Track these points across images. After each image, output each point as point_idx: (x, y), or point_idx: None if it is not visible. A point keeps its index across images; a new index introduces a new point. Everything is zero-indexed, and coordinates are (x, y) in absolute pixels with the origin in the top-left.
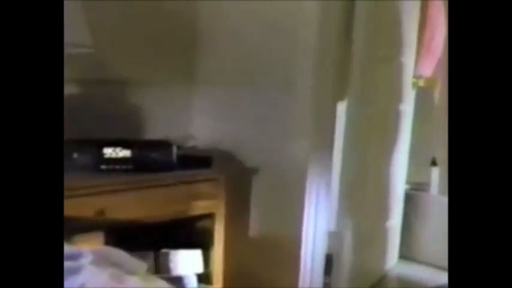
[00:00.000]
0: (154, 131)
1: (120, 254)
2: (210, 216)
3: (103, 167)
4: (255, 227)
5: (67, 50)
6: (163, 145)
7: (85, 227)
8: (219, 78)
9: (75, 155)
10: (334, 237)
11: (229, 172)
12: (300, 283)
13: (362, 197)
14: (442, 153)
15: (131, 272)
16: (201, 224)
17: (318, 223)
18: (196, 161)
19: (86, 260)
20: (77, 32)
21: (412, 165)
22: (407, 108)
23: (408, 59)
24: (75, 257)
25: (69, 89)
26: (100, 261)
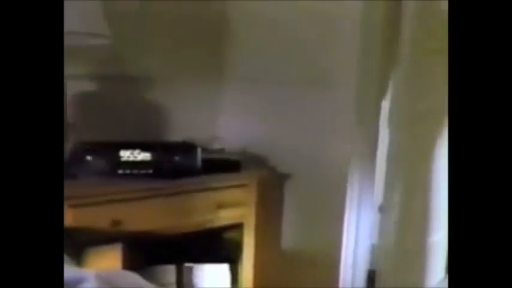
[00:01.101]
0: (176, 132)
1: (132, 280)
2: (238, 226)
3: (120, 171)
4: (288, 238)
5: (83, 41)
6: (187, 147)
7: (101, 238)
8: (249, 74)
9: (89, 158)
10: (377, 251)
11: (260, 178)
12: None
13: (407, 207)
14: None
15: None
16: (228, 235)
17: (359, 235)
18: (224, 165)
19: (88, 286)
20: (94, 21)
21: None
22: None
23: None
24: (75, 282)
25: (84, 85)
26: None
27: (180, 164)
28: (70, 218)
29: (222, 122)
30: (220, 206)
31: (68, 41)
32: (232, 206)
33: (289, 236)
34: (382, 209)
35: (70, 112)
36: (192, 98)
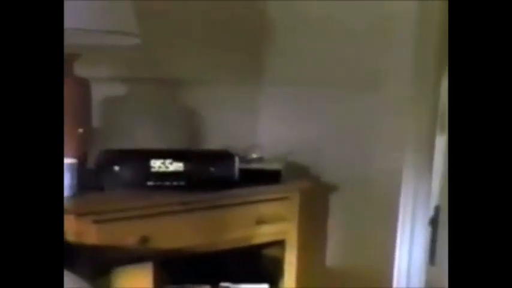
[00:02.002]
0: (212, 140)
1: None
2: (279, 243)
3: (150, 183)
4: (333, 256)
5: (111, 41)
6: (223, 157)
7: (130, 257)
8: (290, 77)
9: (116, 169)
10: (434, 271)
11: (303, 189)
12: None
13: None
14: None
15: None
16: (268, 252)
17: (413, 253)
18: (263, 175)
19: None
20: (123, 19)
21: None
22: None
23: None
24: None
25: (113, 88)
26: None
27: (216, 174)
28: (95, 234)
29: (261, 129)
30: (260, 220)
31: (94, 40)
32: (272, 221)
33: (335, 253)
34: (433, 223)
35: (97, 117)
36: (229, 103)
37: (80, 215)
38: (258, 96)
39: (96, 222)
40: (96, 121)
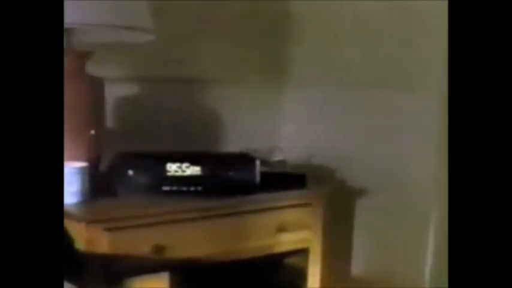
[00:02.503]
0: (231, 142)
1: None
2: (302, 252)
3: (165, 188)
4: (359, 266)
5: (126, 38)
6: (243, 160)
7: (144, 267)
8: (314, 76)
9: (130, 173)
10: None
11: (328, 195)
12: None
13: None
14: None
15: None
16: (291, 261)
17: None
18: (286, 180)
19: None
20: (136, 13)
21: None
22: None
23: None
24: None
25: (126, 89)
26: None
27: (235, 179)
28: (106, 243)
29: (283, 130)
30: (282, 228)
31: (108, 37)
32: (295, 229)
33: (361, 263)
34: None
35: (111, 118)
36: (250, 103)
37: (91, 222)
38: (280, 96)
39: (108, 229)
40: (109, 122)
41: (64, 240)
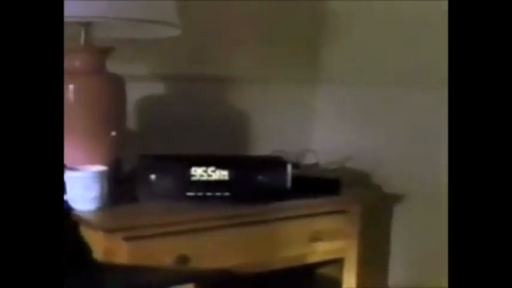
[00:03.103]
0: (260, 144)
1: None
2: (337, 262)
3: (190, 193)
4: (397, 276)
5: (147, 33)
6: (273, 163)
7: (167, 279)
8: (348, 75)
9: (152, 177)
10: None
11: (364, 201)
12: None
13: None
14: None
15: None
16: (324, 272)
17: None
18: (319, 185)
19: None
20: (160, 6)
21: None
22: None
23: None
24: None
25: (149, 88)
26: None
27: (265, 184)
28: (126, 253)
29: (316, 132)
30: (315, 237)
31: (129, 32)
32: (329, 237)
33: (400, 274)
34: None
35: (132, 119)
36: (280, 104)
37: (109, 230)
38: (313, 96)
39: (128, 239)
40: (131, 123)
41: (81, 250)
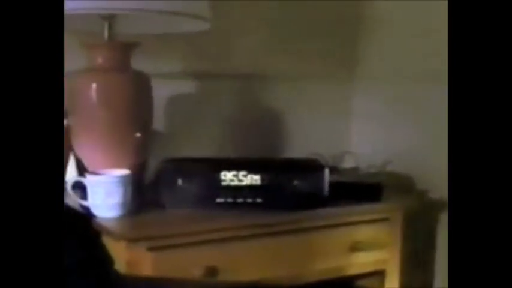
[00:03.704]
0: (295, 147)
1: None
2: (378, 273)
3: (219, 200)
4: None
5: (175, 28)
6: (310, 167)
7: None
8: (389, 73)
9: (179, 182)
10: None
11: (408, 208)
12: None
13: None
14: None
15: None
16: (364, 284)
17: None
18: (359, 191)
19: None
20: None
21: None
22: None
23: None
24: None
25: (177, 86)
26: None
27: (301, 190)
28: (150, 264)
29: (355, 133)
30: (355, 247)
31: (155, 26)
32: (370, 247)
33: (445, 286)
34: None
35: (159, 119)
36: (317, 103)
37: (132, 240)
38: (352, 95)
39: (153, 249)
40: (157, 124)
41: (102, 262)
